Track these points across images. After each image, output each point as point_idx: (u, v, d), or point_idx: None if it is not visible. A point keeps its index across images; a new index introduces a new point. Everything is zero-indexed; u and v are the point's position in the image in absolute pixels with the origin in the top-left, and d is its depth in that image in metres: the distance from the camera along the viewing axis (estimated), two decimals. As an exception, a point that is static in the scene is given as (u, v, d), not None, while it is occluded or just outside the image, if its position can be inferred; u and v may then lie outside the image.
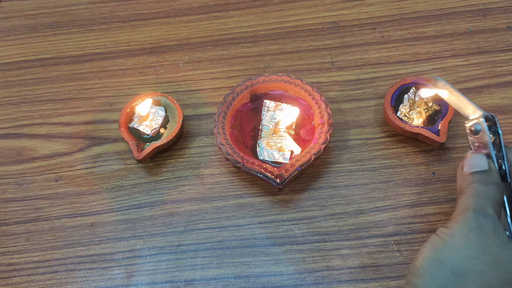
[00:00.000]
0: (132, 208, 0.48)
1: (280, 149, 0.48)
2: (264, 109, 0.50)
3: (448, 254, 0.34)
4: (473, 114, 0.40)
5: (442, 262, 0.34)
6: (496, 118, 0.39)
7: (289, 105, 0.49)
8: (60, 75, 0.57)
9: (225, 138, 0.47)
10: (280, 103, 0.50)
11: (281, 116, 0.49)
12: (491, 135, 0.39)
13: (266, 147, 0.48)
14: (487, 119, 0.39)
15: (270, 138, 0.49)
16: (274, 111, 0.50)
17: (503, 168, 0.39)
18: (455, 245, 0.34)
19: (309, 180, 0.48)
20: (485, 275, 0.32)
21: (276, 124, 0.49)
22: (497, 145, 0.39)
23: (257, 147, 0.48)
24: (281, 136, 0.48)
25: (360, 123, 0.51)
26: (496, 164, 0.38)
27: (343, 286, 0.43)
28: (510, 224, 0.37)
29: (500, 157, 0.39)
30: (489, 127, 0.39)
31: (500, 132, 0.39)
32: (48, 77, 0.57)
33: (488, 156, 0.39)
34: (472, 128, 0.40)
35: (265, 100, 0.50)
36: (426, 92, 0.47)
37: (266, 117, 0.50)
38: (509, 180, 0.38)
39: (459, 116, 0.50)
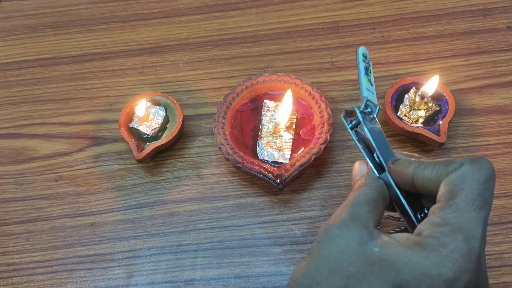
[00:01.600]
0: (132, 208, 0.48)
1: (280, 149, 0.48)
2: (264, 109, 0.50)
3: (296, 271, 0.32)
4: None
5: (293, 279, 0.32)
6: (357, 109, 0.37)
7: (288, 105, 0.49)
8: (60, 75, 0.57)
9: (225, 138, 0.47)
10: (280, 103, 0.50)
11: (281, 117, 0.49)
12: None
13: (266, 147, 0.48)
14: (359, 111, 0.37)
15: (270, 138, 0.49)
16: (274, 111, 0.50)
17: (377, 159, 0.36)
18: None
19: (309, 180, 0.48)
20: (320, 286, 0.30)
21: (276, 124, 0.49)
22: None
23: (257, 147, 0.48)
24: (281, 136, 0.48)
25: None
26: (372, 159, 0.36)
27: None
28: (405, 204, 0.34)
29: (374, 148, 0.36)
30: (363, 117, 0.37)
31: (361, 120, 0.37)
32: (48, 77, 0.57)
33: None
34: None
35: (265, 100, 0.50)
36: (426, 92, 0.48)
37: (266, 117, 0.50)
38: (385, 169, 0.35)
39: (459, 116, 0.50)
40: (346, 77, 0.54)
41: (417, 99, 0.48)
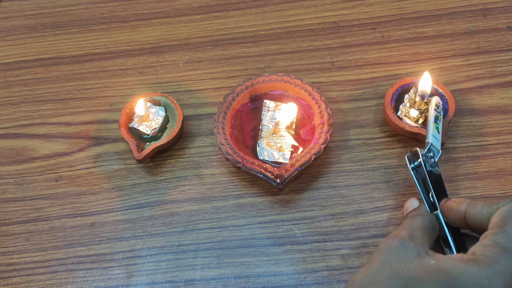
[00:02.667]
0: (132, 208, 0.48)
1: (280, 149, 0.48)
2: (264, 109, 0.50)
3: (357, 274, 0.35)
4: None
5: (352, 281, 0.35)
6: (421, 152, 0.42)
7: (288, 103, 0.49)
8: (60, 75, 0.57)
9: (225, 138, 0.47)
10: (280, 103, 0.50)
11: (281, 116, 0.49)
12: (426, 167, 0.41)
13: (266, 147, 0.48)
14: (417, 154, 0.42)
15: (270, 138, 0.49)
16: (274, 111, 0.50)
17: (431, 199, 0.40)
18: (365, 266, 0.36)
19: (309, 180, 0.48)
20: (382, 284, 0.34)
21: (276, 124, 0.49)
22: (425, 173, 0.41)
23: (257, 147, 0.48)
24: (281, 136, 0.48)
25: (360, 123, 0.51)
26: (426, 198, 0.41)
27: (343, 286, 0.43)
28: (450, 239, 0.38)
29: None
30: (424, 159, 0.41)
31: (422, 163, 0.41)
32: (48, 77, 0.57)
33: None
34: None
35: (265, 100, 0.50)
36: (424, 91, 0.48)
37: (266, 117, 0.50)
38: (438, 208, 0.39)
39: (459, 116, 0.50)
40: (346, 77, 0.54)
41: (417, 99, 0.48)
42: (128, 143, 0.49)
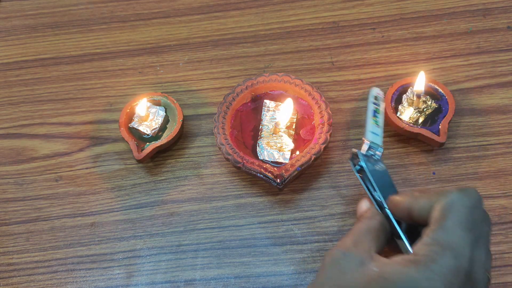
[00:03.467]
0: (132, 208, 0.48)
1: (280, 149, 0.48)
2: (264, 109, 0.50)
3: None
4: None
5: None
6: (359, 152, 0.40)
7: (288, 104, 0.49)
8: (60, 75, 0.57)
9: (225, 138, 0.47)
10: (280, 103, 0.50)
11: (281, 116, 0.49)
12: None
13: (266, 147, 0.48)
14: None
15: (270, 138, 0.49)
16: (274, 111, 0.50)
17: (378, 198, 0.39)
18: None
19: (309, 180, 0.48)
20: None
21: (276, 124, 0.49)
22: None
23: (257, 147, 0.48)
24: (281, 136, 0.48)
25: (360, 123, 0.51)
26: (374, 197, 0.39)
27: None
28: (403, 237, 0.37)
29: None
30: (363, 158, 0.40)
31: (363, 164, 0.39)
32: (48, 77, 0.57)
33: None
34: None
35: (265, 100, 0.50)
36: (418, 91, 0.48)
37: (266, 117, 0.50)
38: (385, 207, 0.38)
39: (459, 116, 0.50)
40: (346, 77, 0.54)
41: (415, 98, 0.48)
42: (128, 143, 0.49)
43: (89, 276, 0.45)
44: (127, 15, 0.61)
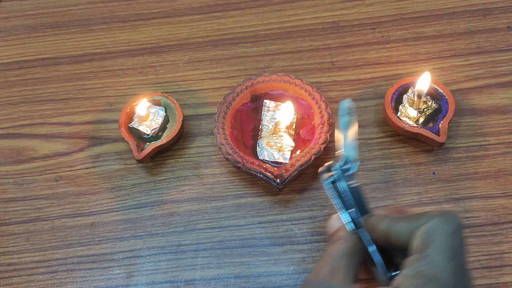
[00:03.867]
0: (132, 208, 0.48)
1: (280, 149, 0.48)
2: (264, 109, 0.50)
3: None
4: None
5: None
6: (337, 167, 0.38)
7: (287, 102, 0.49)
8: (60, 75, 0.57)
9: (225, 138, 0.47)
10: (280, 103, 0.50)
11: (281, 116, 0.49)
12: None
13: (266, 147, 0.48)
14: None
15: (270, 138, 0.49)
16: (274, 111, 0.50)
17: (353, 216, 0.37)
18: None
19: (309, 180, 0.48)
20: None
21: (276, 124, 0.49)
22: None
23: (257, 147, 0.48)
24: (281, 136, 0.48)
25: (360, 123, 0.51)
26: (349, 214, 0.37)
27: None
28: (381, 260, 0.35)
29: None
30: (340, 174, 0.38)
31: (338, 179, 0.38)
32: (48, 77, 0.57)
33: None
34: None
35: (265, 100, 0.50)
36: (421, 91, 0.48)
37: (266, 117, 0.50)
38: (359, 225, 0.36)
39: (459, 116, 0.50)
40: (346, 77, 0.54)
41: (416, 99, 0.48)
42: (128, 143, 0.49)
43: (89, 276, 0.45)
44: (127, 15, 0.61)
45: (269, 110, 0.50)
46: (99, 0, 0.63)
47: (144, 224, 0.47)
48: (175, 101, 0.51)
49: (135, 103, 0.51)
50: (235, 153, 0.46)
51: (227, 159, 0.46)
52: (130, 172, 0.50)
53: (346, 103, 0.41)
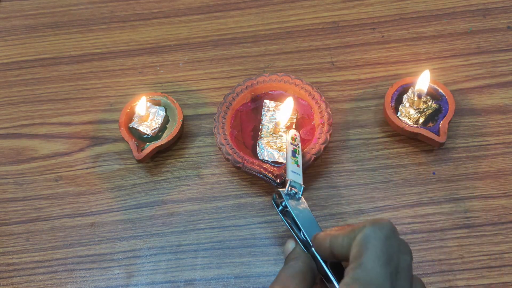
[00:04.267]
0: (132, 208, 0.48)
1: (280, 149, 0.48)
2: (264, 109, 0.50)
3: None
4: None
5: None
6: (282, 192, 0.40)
7: (287, 99, 0.49)
8: (60, 75, 0.57)
9: (225, 138, 0.47)
10: (280, 103, 0.50)
11: (281, 116, 0.49)
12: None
13: (266, 147, 0.48)
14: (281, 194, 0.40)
15: (270, 138, 0.49)
16: (274, 111, 0.50)
17: (304, 237, 0.38)
18: None
19: (309, 180, 0.48)
20: None
21: (276, 124, 0.49)
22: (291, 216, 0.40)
23: (257, 147, 0.48)
24: (281, 136, 0.48)
25: (360, 123, 0.51)
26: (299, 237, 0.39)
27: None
28: (331, 275, 0.36)
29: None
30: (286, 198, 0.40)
31: (287, 203, 0.40)
32: (48, 77, 0.57)
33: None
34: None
35: (265, 100, 0.50)
36: (421, 90, 0.48)
37: (266, 117, 0.50)
38: (311, 245, 0.38)
39: (459, 116, 0.50)
40: (346, 77, 0.54)
41: (416, 98, 0.48)
42: (128, 143, 0.49)
43: (89, 276, 0.45)
44: (127, 15, 0.61)
45: (269, 110, 0.50)
46: (99, 0, 0.63)
47: (144, 224, 0.47)
48: (175, 101, 0.51)
49: (135, 103, 0.51)
50: (235, 153, 0.46)
51: (227, 159, 0.46)
52: (130, 172, 0.50)
53: (292, 133, 0.45)
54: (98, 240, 0.47)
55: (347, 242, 0.34)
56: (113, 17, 0.61)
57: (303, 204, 0.40)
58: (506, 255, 0.43)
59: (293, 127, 0.49)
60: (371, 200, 0.47)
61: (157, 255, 0.46)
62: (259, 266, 0.45)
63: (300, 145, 0.45)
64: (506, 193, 0.46)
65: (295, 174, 0.42)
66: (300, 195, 0.41)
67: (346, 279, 0.32)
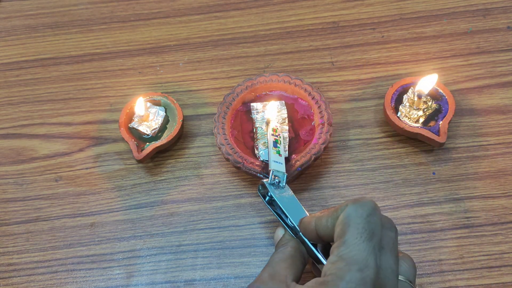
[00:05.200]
0: (132, 208, 0.48)
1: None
2: (253, 112, 0.50)
3: None
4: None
5: None
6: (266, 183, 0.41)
7: (274, 102, 0.49)
8: (60, 75, 0.57)
9: (225, 138, 0.47)
10: (266, 102, 0.50)
11: (270, 114, 0.49)
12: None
13: (264, 148, 0.48)
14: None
15: (265, 139, 0.48)
16: (263, 111, 0.50)
17: (291, 223, 0.39)
18: None
19: (309, 180, 0.48)
20: None
21: (267, 123, 0.48)
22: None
23: (255, 150, 0.48)
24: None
25: (360, 123, 0.51)
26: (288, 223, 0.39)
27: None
28: (321, 257, 0.37)
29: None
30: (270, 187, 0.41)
31: (271, 192, 0.40)
32: (48, 77, 0.57)
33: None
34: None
35: (251, 104, 0.50)
36: (421, 91, 0.48)
37: (257, 119, 0.50)
38: (298, 231, 0.38)
39: (459, 116, 0.50)
40: (346, 77, 0.54)
41: (416, 99, 0.48)
42: (128, 143, 0.49)
43: (89, 276, 0.45)
44: (127, 15, 0.61)
45: (258, 112, 0.50)
46: (99, 0, 0.63)
47: (144, 224, 0.47)
48: (175, 101, 0.51)
49: (135, 103, 0.51)
50: (235, 153, 0.46)
51: (227, 159, 0.46)
52: (130, 172, 0.50)
53: (272, 124, 0.46)
54: (98, 240, 0.47)
55: (331, 222, 0.35)
56: (113, 17, 0.61)
57: (288, 191, 0.41)
58: (506, 255, 0.43)
59: (286, 122, 0.49)
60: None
61: (157, 255, 0.46)
62: (259, 266, 0.45)
63: (282, 135, 0.46)
64: (506, 193, 0.46)
65: (277, 164, 0.43)
66: (284, 183, 0.41)
67: (331, 257, 0.33)
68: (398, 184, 0.47)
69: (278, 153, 0.44)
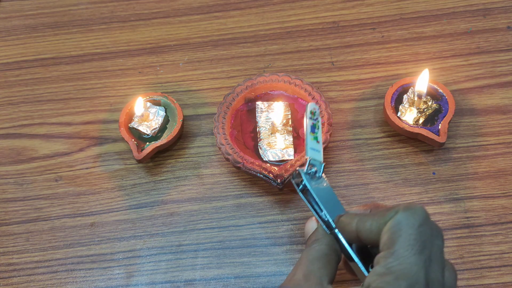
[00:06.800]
0: (132, 208, 0.48)
1: (282, 148, 0.48)
2: (258, 111, 0.50)
3: None
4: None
5: None
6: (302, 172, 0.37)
7: (279, 102, 0.49)
8: (60, 75, 0.57)
9: (225, 138, 0.47)
10: (271, 102, 0.50)
11: (275, 115, 0.49)
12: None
13: (268, 148, 0.48)
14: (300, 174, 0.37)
15: (269, 139, 0.49)
16: (267, 111, 0.50)
17: (325, 217, 0.36)
18: None
19: (309, 180, 0.48)
20: None
21: (273, 124, 0.49)
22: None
23: (260, 150, 0.48)
24: (281, 135, 0.48)
25: (360, 123, 0.51)
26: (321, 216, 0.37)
27: (344, 286, 0.43)
28: (355, 257, 0.35)
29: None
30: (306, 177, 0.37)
31: (306, 183, 0.37)
32: (48, 77, 0.57)
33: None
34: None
35: (257, 102, 0.50)
36: (421, 91, 0.48)
37: (261, 119, 0.50)
38: (333, 227, 0.35)
39: (459, 116, 0.50)
40: (346, 77, 0.54)
41: (416, 99, 0.48)
42: (128, 143, 0.49)
43: (89, 276, 0.45)
44: (127, 15, 0.61)
45: (262, 111, 0.50)
46: (99, 0, 0.63)
47: (144, 224, 0.47)
48: (175, 101, 0.51)
49: (135, 103, 0.51)
50: (235, 153, 0.46)
51: (227, 159, 0.46)
52: (130, 172, 0.50)
53: (311, 107, 0.40)
54: (98, 240, 0.47)
55: (376, 227, 0.32)
56: (113, 17, 0.61)
57: (324, 182, 0.38)
58: (506, 255, 0.43)
59: (290, 123, 0.49)
60: (371, 200, 0.47)
61: (157, 255, 0.46)
62: (259, 266, 0.45)
63: (320, 119, 0.40)
64: (506, 193, 0.46)
65: (314, 151, 0.38)
66: (320, 174, 0.38)
67: (378, 268, 0.31)
68: (398, 184, 0.47)
69: (316, 139, 0.39)
